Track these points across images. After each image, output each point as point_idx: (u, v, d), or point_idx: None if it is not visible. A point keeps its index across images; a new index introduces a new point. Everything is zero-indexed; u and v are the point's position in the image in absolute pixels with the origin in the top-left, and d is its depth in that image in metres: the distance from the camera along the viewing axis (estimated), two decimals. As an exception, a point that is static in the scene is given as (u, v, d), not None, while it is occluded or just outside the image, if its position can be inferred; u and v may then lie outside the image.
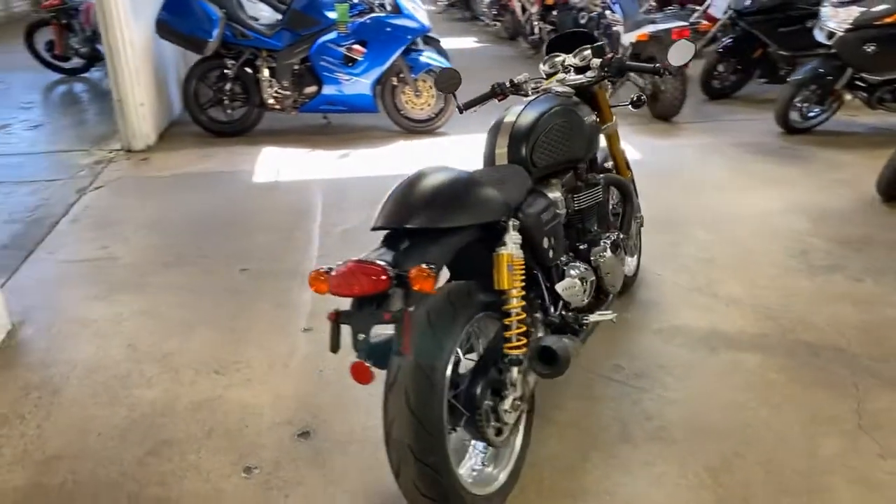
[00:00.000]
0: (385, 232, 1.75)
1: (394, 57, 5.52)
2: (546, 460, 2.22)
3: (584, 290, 2.28)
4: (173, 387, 2.61)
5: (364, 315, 1.56)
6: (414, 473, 1.69)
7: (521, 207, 2.01)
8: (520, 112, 2.31)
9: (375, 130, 5.92)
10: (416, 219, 1.69)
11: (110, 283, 3.42)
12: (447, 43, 7.14)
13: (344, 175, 4.93)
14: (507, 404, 1.88)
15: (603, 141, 2.74)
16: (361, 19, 5.49)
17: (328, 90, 5.58)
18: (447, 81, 2.46)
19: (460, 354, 1.88)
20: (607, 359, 2.73)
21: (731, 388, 2.55)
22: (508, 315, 1.88)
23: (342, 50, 5.46)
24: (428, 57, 5.65)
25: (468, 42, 10.71)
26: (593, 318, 2.27)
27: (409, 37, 5.53)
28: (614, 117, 2.80)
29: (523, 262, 1.94)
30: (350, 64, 5.51)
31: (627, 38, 5.89)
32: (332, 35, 5.47)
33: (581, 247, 2.44)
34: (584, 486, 2.12)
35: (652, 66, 2.53)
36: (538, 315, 2.10)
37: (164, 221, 4.17)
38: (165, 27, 5.31)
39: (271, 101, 5.64)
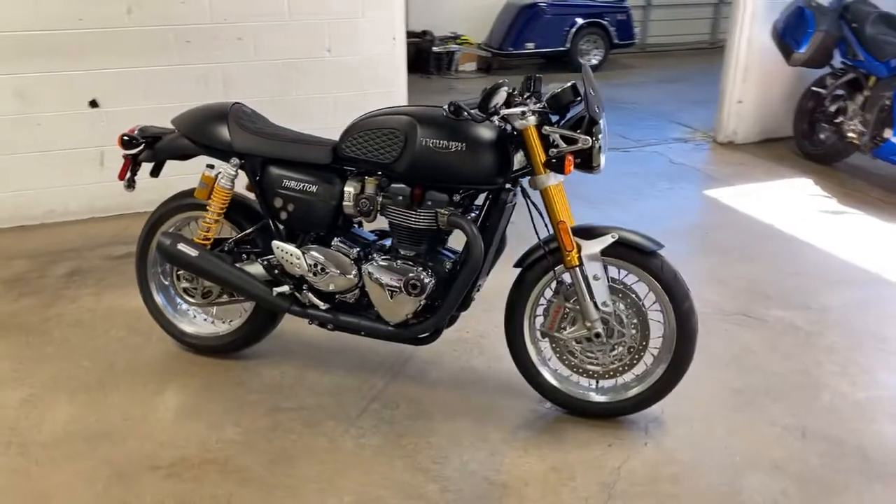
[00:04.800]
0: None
1: None
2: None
3: (308, 270, 2.42)
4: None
5: None
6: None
7: (266, 162, 2.50)
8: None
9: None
10: (177, 125, 2.64)
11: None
12: None
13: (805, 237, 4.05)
14: (180, 278, 2.70)
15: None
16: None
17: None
18: None
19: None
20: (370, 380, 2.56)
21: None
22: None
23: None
24: None
25: None
26: (277, 289, 2.48)
27: None
28: (547, 172, 2.23)
29: (228, 192, 2.52)
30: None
31: None
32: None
33: (370, 253, 2.44)
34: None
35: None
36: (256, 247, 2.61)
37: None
38: (774, 30, 5.15)
39: (850, 133, 4.82)
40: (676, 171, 5.12)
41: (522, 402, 2.51)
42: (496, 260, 2.46)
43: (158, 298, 2.82)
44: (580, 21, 8.92)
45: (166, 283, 2.82)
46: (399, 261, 2.37)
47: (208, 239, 2.60)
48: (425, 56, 9.16)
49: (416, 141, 2.29)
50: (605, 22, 9.04)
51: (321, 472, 2.20)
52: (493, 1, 9.39)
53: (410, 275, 2.32)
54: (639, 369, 2.38)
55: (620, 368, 2.36)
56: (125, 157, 2.67)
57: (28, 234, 4.01)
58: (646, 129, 6.21)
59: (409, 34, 9.26)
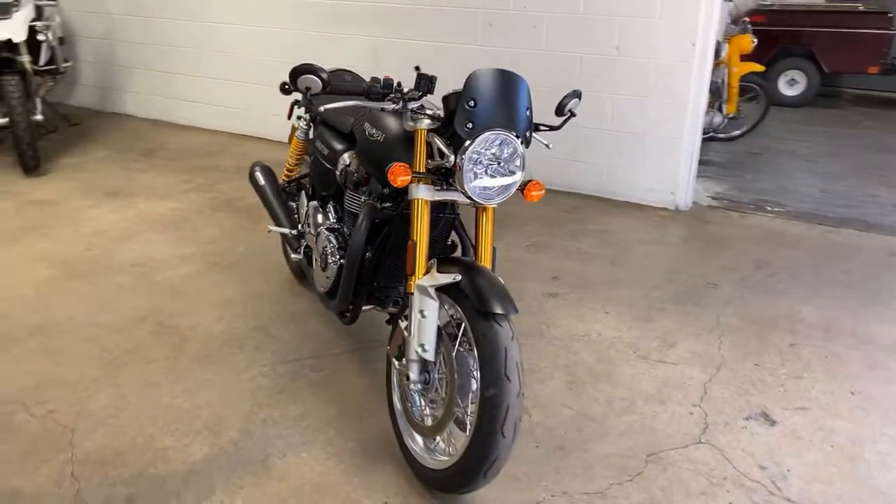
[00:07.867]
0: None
1: None
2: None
3: (304, 222, 2.71)
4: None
5: None
6: None
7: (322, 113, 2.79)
8: None
9: None
10: None
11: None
12: None
13: None
14: None
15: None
16: None
17: None
18: None
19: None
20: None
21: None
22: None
23: None
24: None
25: None
26: (282, 230, 2.78)
27: None
28: (417, 182, 1.95)
29: (301, 143, 2.92)
30: None
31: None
32: None
33: (335, 223, 2.53)
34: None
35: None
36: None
37: None
38: None
39: None
40: None
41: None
42: None
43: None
44: None
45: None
46: (333, 234, 2.43)
47: (288, 177, 3.07)
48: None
49: (362, 122, 2.29)
50: None
51: (202, 382, 2.52)
52: None
53: (324, 249, 2.38)
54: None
55: (431, 428, 1.96)
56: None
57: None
58: None
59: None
